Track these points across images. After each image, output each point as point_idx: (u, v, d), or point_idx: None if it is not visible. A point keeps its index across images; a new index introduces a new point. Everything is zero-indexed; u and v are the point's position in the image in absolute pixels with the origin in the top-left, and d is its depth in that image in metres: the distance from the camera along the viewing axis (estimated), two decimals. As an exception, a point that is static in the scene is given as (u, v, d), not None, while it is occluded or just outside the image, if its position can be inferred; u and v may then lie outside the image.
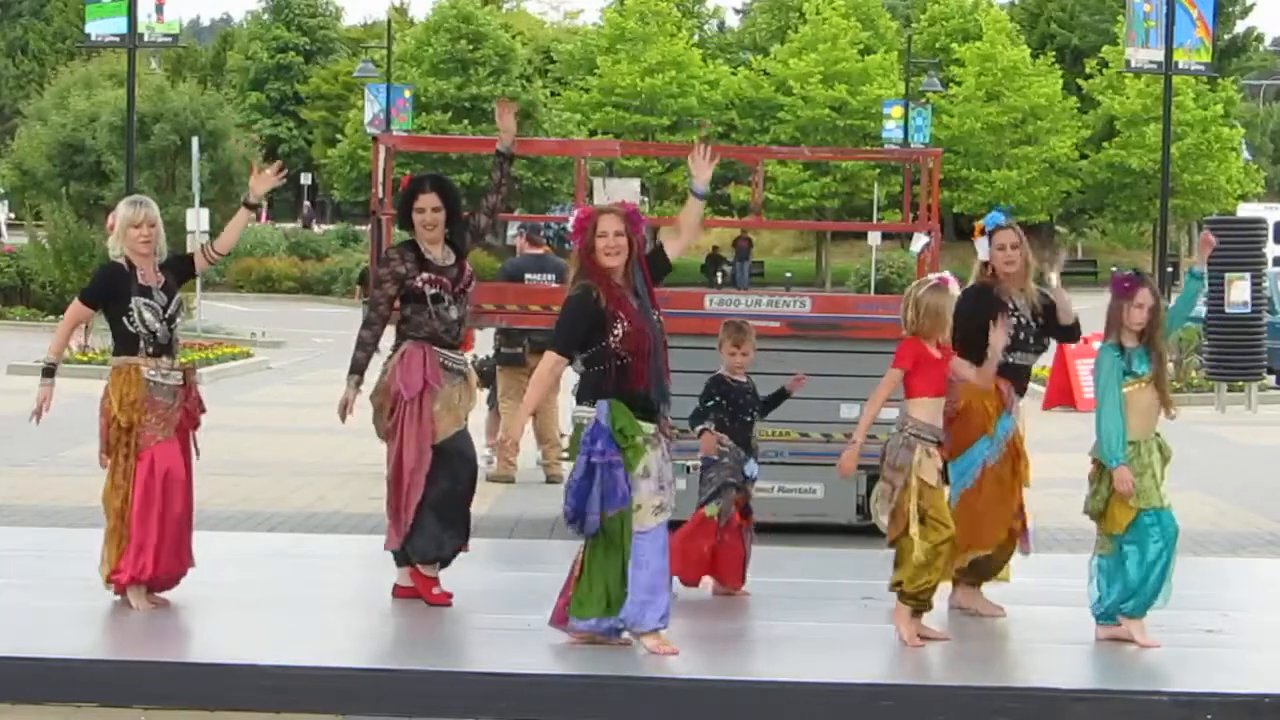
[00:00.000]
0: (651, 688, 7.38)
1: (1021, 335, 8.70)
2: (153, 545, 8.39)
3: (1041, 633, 8.58)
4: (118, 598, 8.51)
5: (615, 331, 7.63)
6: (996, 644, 8.46)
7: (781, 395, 9.40)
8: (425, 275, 8.58)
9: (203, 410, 8.67)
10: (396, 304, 8.66)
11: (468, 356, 9.18)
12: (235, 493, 13.38)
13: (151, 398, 8.40)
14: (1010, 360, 8.62)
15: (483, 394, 15.04)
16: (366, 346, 8.66)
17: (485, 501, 13.00)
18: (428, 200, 8.67)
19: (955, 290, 8.13)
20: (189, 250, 9.15)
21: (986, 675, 7.85)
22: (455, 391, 8.68)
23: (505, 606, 8.81)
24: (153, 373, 8.42)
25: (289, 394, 23.19)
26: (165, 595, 8.56)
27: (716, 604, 9.04)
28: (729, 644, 8.34)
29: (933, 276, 8.21)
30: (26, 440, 15.64)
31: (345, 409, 8.58)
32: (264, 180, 8.86)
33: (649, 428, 7.72)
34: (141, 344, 8.41)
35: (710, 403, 9.05)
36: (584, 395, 7.87)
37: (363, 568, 9.50)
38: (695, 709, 7.29)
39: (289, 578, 9.50)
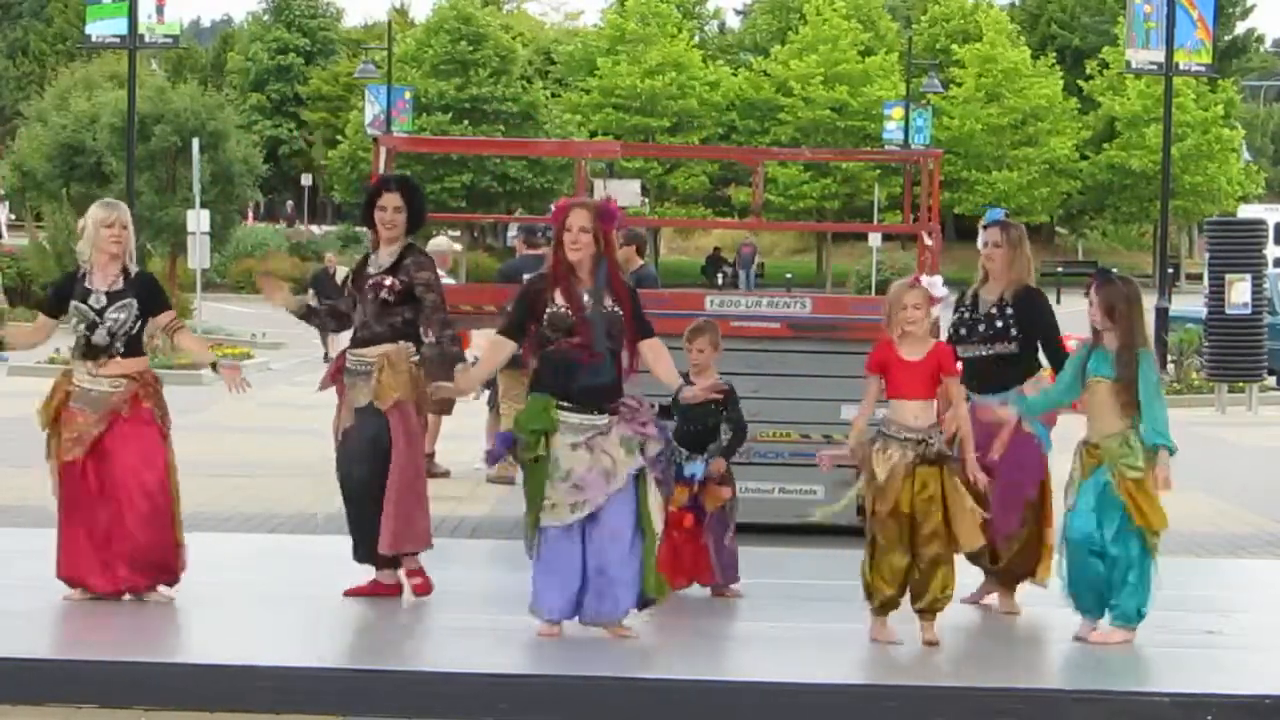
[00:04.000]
0: (650, 688, 7.38)
1: (961, 330, 8.86)
2: (66, 562, 8.51)
3: (1043, 632, 8.59)
4: (123, 598, 8.55)
5: (545, 317, 7.81)
6: (997, 644, 8.46)
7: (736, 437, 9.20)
8: (351, 285, 8.79)
9: (160, 416, 8.61)
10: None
11: (467, 354, 9.17)
12: (236, 493, 13.37)
13: (70, 408, 8.47)
14: (961, 354, 8.73)
15: (483, 396, 15.09)
16: (323, 307, 9.02)
17: (486, 503, 13.00)
18: (389, 200, 8.72)
19: (939, 293, 8.11)
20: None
21: (987, 676, 7.85)
22: (351, 388, 8.70)
23: (504, 607, 8.79)
24: (79, 378, 8.49)
25: (290, 395, 23.17)
26: (166, 594, 8.58)
27: (715, 604, 9.03)
28: (729, 644, 8.35)
29: (912, 277, 8.30)
30: (27, 440, 15.59)
31: (238, 378, 8.79)
32: (274, 290, 9.05)
33: (588, 420, 7.81)
34: (75, 343, 8.52)
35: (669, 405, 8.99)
36: (531, 384, 8.00)
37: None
38: (694, 709, 7.28)
39: (289, 578, 9.50)
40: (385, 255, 8.73)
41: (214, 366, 8.79)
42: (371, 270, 8.72)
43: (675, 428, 8.88)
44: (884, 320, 8.12)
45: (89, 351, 8.49)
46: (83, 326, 8.48)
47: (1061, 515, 8.31)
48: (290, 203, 77.16)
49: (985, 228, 8.91)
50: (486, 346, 8.18)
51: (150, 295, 8.61)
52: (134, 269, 8.61)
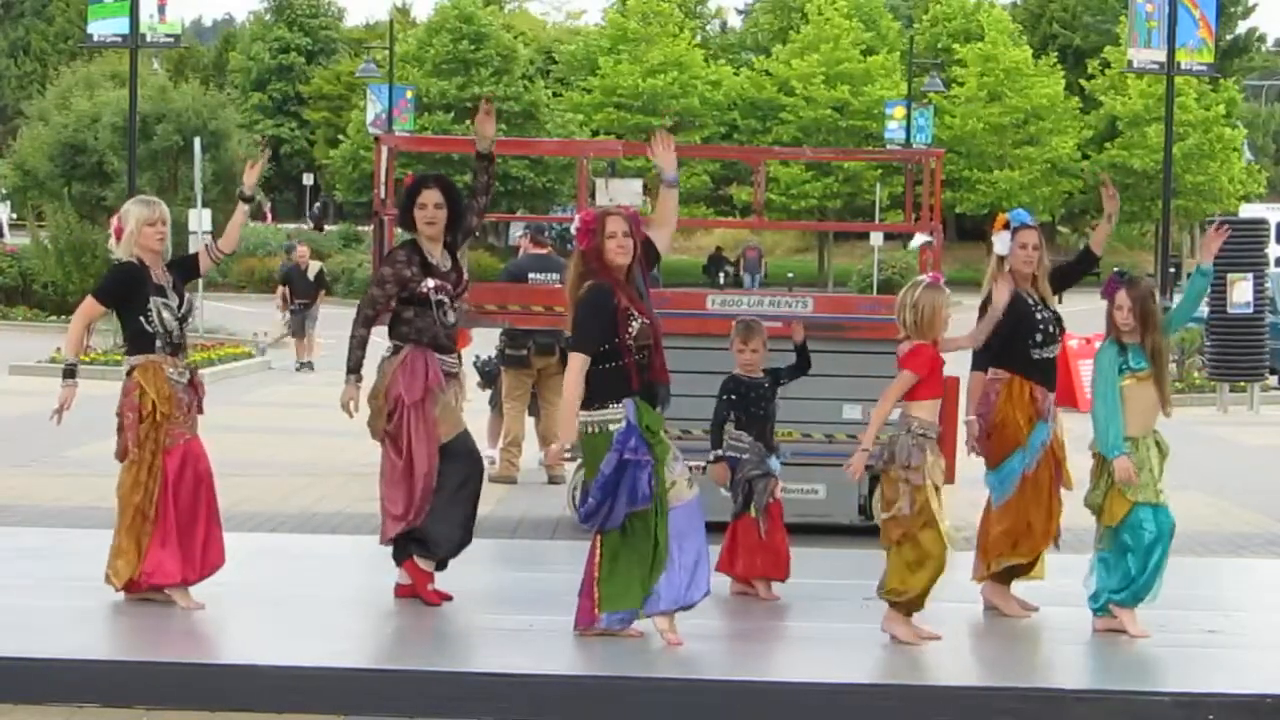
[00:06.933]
0: (651, 688, 7.38)
1: (1051, 329, 8.82)
2: (198, 543, 8.47)
3: (1043, 632, 8.59)
4: (120, 597, 8.51)
5: (631, 327, 7.82)
6: (998, 643, 8.46)
7: (801, 354, 9.40)
8: (431, 281, 8.59)
9: (200, 410, 8.70)
10: (391, 304, 8.67)
11: (464, 354, 9.18)
12: (236, 493, 13.36)
13: (176, 395, 8.45)
14: (1040, 356, 8.78)
15: (484, 395, 15.09)
16: (364, 345, 8.68)
17: (488, 502, 12.93)
18: (430, 196, 8.68)
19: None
20: (192, 251, 9.14)
21: (988, 675, 7.85)
22: (452, 394, 8.71)
23: (506, 606, 8.81)
24: (171, 371, 8.45)
25: (290, 394, 23.19)
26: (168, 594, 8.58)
27: (717, 604, 9.03)
28: (729, 644, 8.34)
29: (924, 276, 8.31)
30: (27, 440, 15.60)
31: (351, 406, 8.62)
32: (254, 172, 8.88)
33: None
34: (158, 343, 8.44)
35: (723, 398, 9.16)
36: (596, 396, 7.83)
37: (363, 568, 9.50)
38: (695, 709, 7.29)
39: (289, 578, 9.50)
40: (437, 252, 8.71)
41: (249, 199, 8.85)
42: (442, 269, 8.68)
43: (737, 418, 9.12)
44: (910, 324, 8.00)
45: (176, 348, 8.50)
46: (174, 323, 8.45)
47: (1143, 514, 8.30)
48: (318, 204, 76.67)
49: (1023, 228, 8.81)
50: (573, 374, 7.83)
51: (186, 269, 8.76)
52: (166, 259, 8.68)
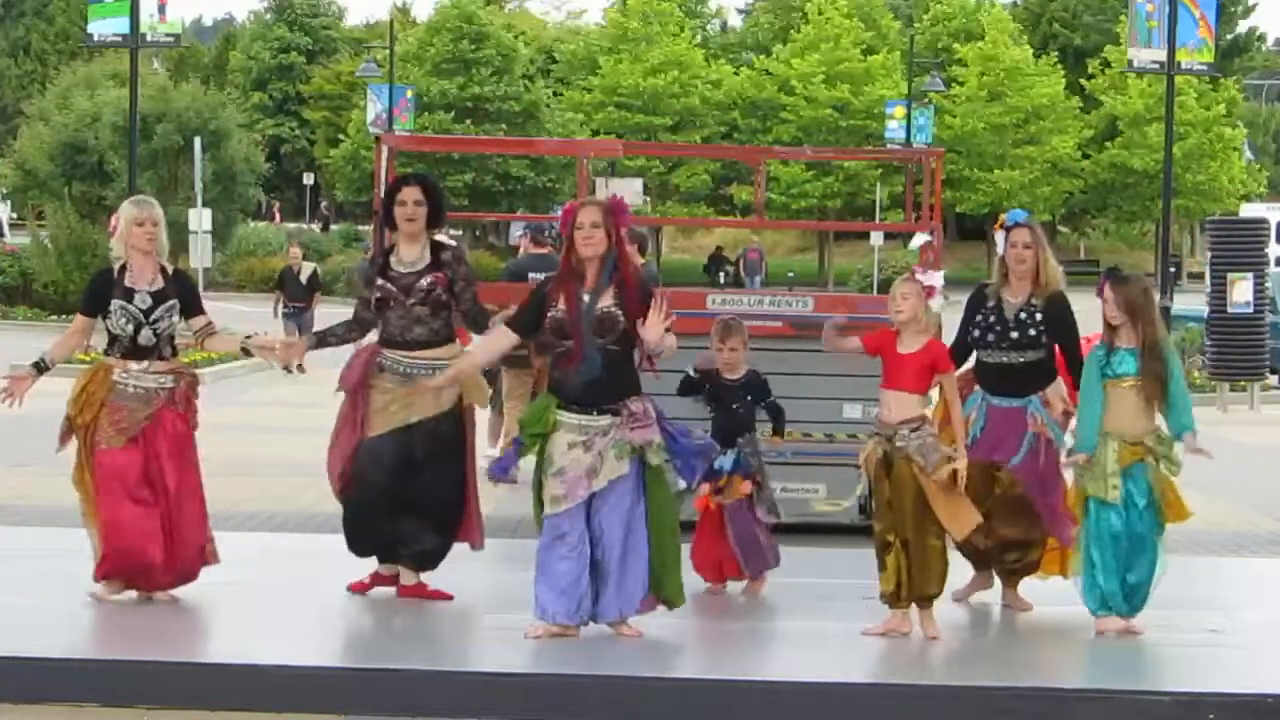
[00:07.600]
0: (651, 687, 7.38)
1: (990, 336, 8.70)
2: (117, 546, 8.36)
3: (1043, 632, 8.59)
4: (121, 596, 8.53)
5: (546, 318, 7.95)
6: (998, 643, 8.47)
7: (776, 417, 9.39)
8: (379, 282, 8.68)
9: (195, 414, 8.66)
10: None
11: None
12: (236, 493, 13.37)
13: (113, 401, 8.39)
14: (985, 359, 8.76)
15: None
16: (338, 329, 8.92)
17: (488, 502, 12.93)
18: (410, 194, 8.75)
19: (931, 282, 8.17)
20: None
21: (988, 674, 7.84)
22: (393, 394, 8.62)
23: (506, 606, 8.79)
24: (123, 375, 8.42)
25: (291, 394, 23.17)
26: (171, 594, 8.57)
27: (717, 603, 9.04)
28: (729, 643, 8.34)
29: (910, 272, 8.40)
30: (27, 440, 15.60)
31: (289, 356, 9.28)
32: (261, 351, 9.08)
33: (587, 420, 7.87)
34: (115, 341, 8.45)
35: (689, 377, 9.17)
36: (546, 385, 8.18)
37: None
38: (695, 708, 7.28)
39: (290, 576, 9.50)
40: (413, 252, 8.73)
41: (245, 351, 8.93)
42: (404, 270, 8.69)
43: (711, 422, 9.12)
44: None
45: (135, 351, 8.46)
46: (130, 326, 8.42)
47: (1091, 508, 8.25)
48: (325, 203, 76.58)
49: (1010, 229, 8.73)
50: (487, 334, 8.44)
51: (189, 297, 8.70)
52: (169, 267, 8.65)
